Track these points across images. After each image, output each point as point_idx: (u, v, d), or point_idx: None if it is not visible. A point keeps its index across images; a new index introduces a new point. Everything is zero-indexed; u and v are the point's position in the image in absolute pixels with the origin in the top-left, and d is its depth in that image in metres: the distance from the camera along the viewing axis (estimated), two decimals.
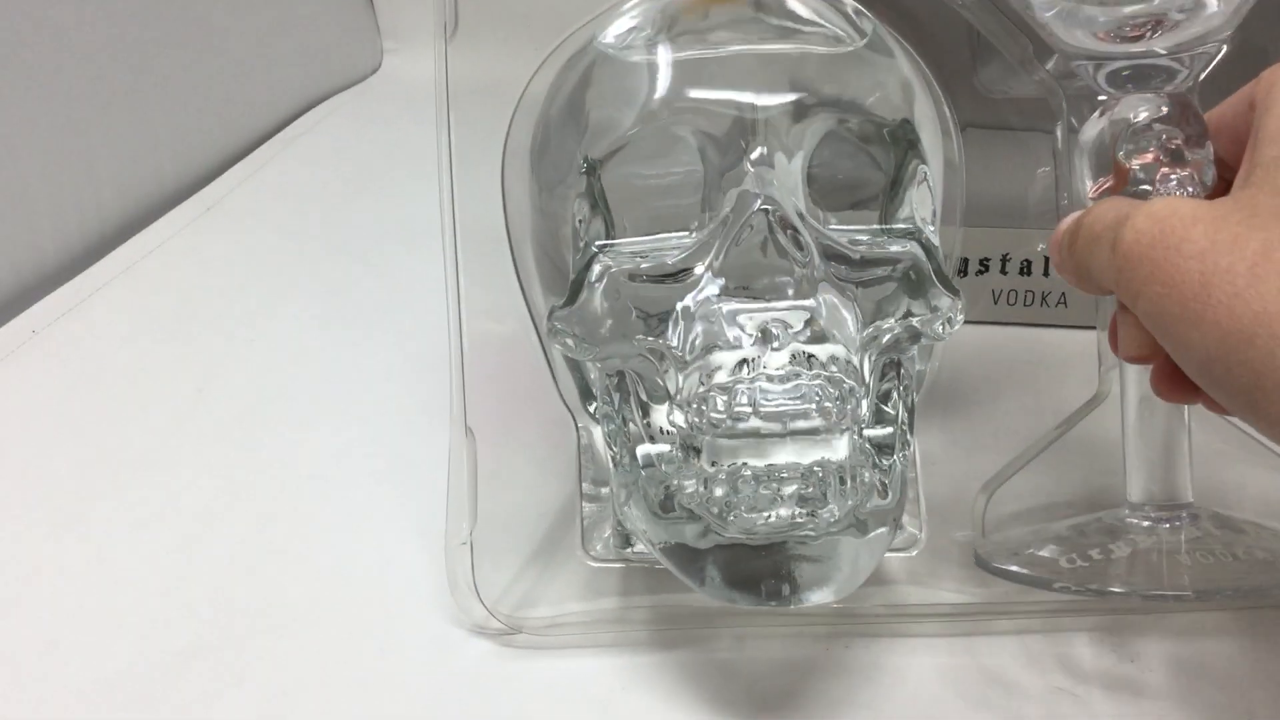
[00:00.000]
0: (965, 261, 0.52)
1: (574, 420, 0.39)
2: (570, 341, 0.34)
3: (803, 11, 0.37)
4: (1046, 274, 0.51)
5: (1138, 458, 0.36)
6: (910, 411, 0.35)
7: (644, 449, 0.34)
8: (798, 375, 0.31)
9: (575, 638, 0.38)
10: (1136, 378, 0.36)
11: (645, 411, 0.34)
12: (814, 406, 0.31)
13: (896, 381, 0.34)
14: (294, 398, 0.49)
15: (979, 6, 0.39)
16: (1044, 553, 0.37)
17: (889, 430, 0.34)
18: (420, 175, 0.42)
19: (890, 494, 0.33)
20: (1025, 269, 0.52)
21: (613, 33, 0.37)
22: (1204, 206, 0.27)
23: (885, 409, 0.34)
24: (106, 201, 0.60)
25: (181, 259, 0.59)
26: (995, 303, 0.53)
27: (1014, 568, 0.36)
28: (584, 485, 0.39)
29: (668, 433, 0.33)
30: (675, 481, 0.32)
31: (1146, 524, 0.36)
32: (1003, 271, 0.52)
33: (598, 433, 0.36)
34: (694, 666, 0.37)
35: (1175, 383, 0.30)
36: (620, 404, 0.34)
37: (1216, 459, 0.39)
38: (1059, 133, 0.38)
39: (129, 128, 0.62)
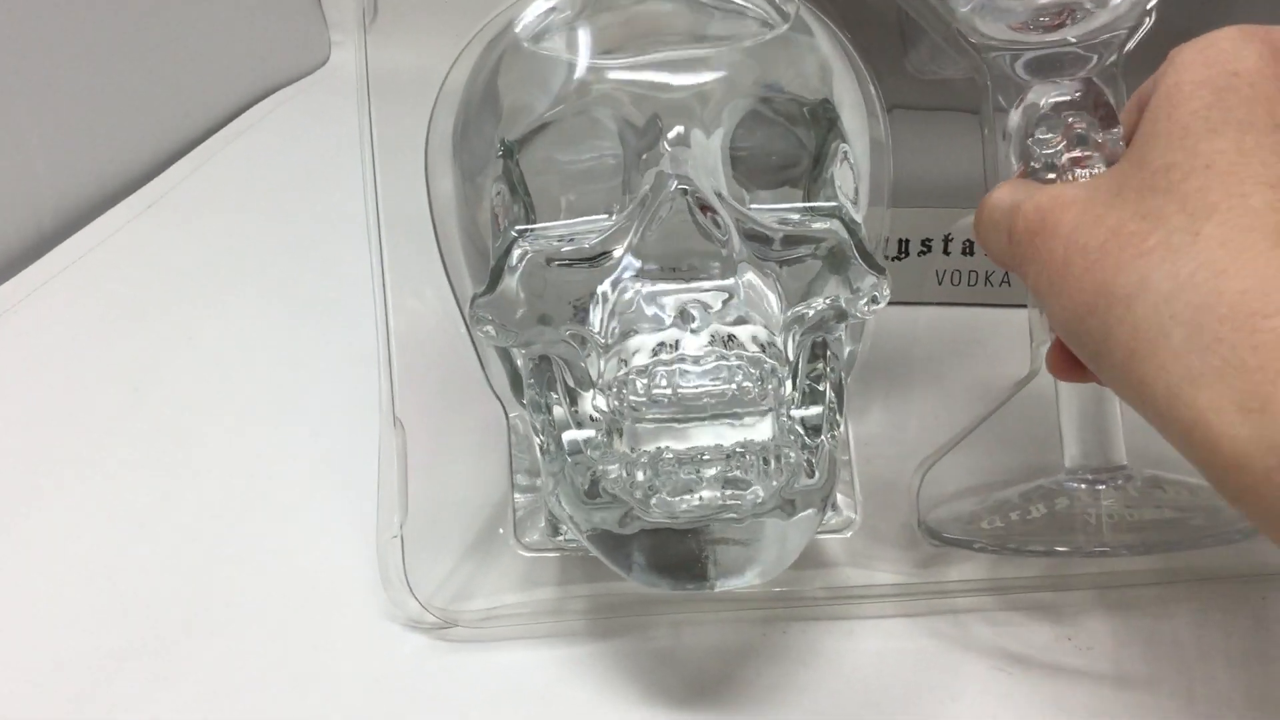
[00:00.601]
0: (906, 242, 0.51)
1: (504, 410, 0.38)
2: (490, 329, 0.33)
3: None
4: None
5: (1070, 425, 0.37)
6: (839, 391, 0.34)
7: (570, 435, 0.33)
8: (717, 356, 0.31)
9: (511, 629, 0.38)
10: None
11: (574, 398, 0.34)
12: (734, 387, 0.31)
13: (823, 361, 0.34)
14: (232, 395, 0.49)
15: None
16: (976, 518, 0.37)
17: (817, 410, 0.34)
18: (382, 169, 0.42)
19: (818, 474, 0.33)
20: (968, 249, 0.51)
21: (531, 13, 0.36)
22: (1082, 189, 0.30)
23: (813, 389, 0.34)
24: (44, 200, 0.59)
25: (121, 257, 0.58)
26: (940, 283, 0.52)
27: (946, 534, 0.37)
28: (518, 475, 0.39)
29: (595, 419, 0.33)
30: (600, 467, 0.32)
31: (1083, 487, 0.37)
32: (945, 252, 0.52)
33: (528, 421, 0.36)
34: (631, 655, 0.37)
35: (1063, 360, 0.33)
36: (545, 390, 0.34)
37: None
38: (984, 113, 0.38)
39: (67, 124, 0.61)
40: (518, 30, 0.36)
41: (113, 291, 0.56)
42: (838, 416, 0.34)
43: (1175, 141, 0.27)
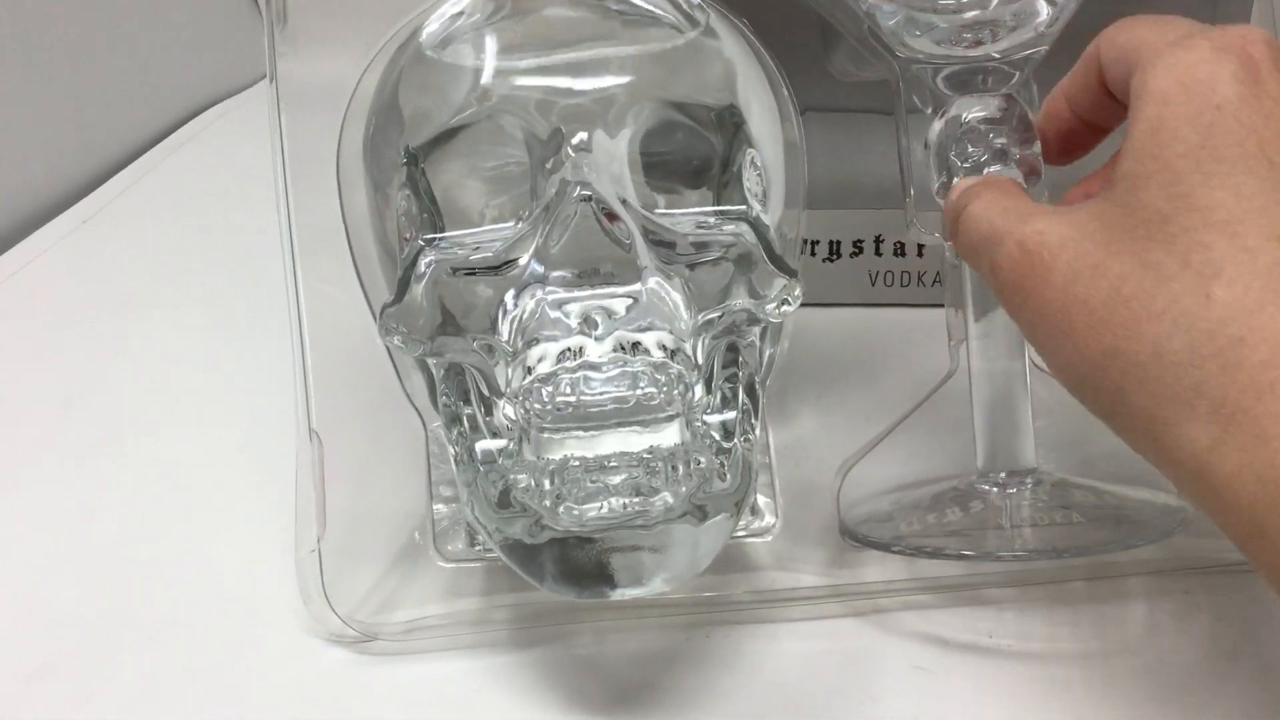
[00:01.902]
0: (838, 244, 0.52)
1: (423, 421, 0.38)
2: (399, 339, 0.33)
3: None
4: (920, 254, 0.51)
5: (983, 427, 0.37)
6: (753, 395, 0.34)
7: (482, 444, 0.33)
8: (621, 363, 0.31)
9: (434, 641, 0.37)
10: (979, 351, 0.37)
11: (489, 407, 0.34)
12: (638, 393, 0.30)
13: (736, 366, 0.34)
14: (161, 409, 0.48)
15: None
16: (893, 519, 0.37)
17: (730, 414, 0.34)
18: (306, 179, 0.42)
19: (731, 478, 0.33)
20: (899, 250, 0.51)
21: (437, 20, 0.36)
22: (1069, 226, 0.29)
23: (726, 393, 0.34)
24: None
25: (55, 272, 0.58)
26: (872, 284, 0.52)
27: (864, 535, 0.37)
28: (439, 486, 0.38)
29: (507, 428, 0.33)
30: (511, 477, 0.32)
31: (994, 490, 0.37)
32: (877, 253, 0.52)
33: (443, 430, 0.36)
34: (553, 664, 0.37)
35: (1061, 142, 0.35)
36: (458, 399, 0.34)
37: (1073, 423, 0.39)
38: (899, 118, 0.38)
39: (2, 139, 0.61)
40: (422, 38, 0.36)
41: (46, 306, 0.56)
42: (753, 420, 0.34)
43: (1168, 188, 0.27)
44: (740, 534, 0.38)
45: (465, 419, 0.34)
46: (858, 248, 0.52)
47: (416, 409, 0.38)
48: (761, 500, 0.39)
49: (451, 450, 0.34)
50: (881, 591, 0.38)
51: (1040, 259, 0.29)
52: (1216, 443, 0.26)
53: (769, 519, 0.38)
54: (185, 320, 0.54)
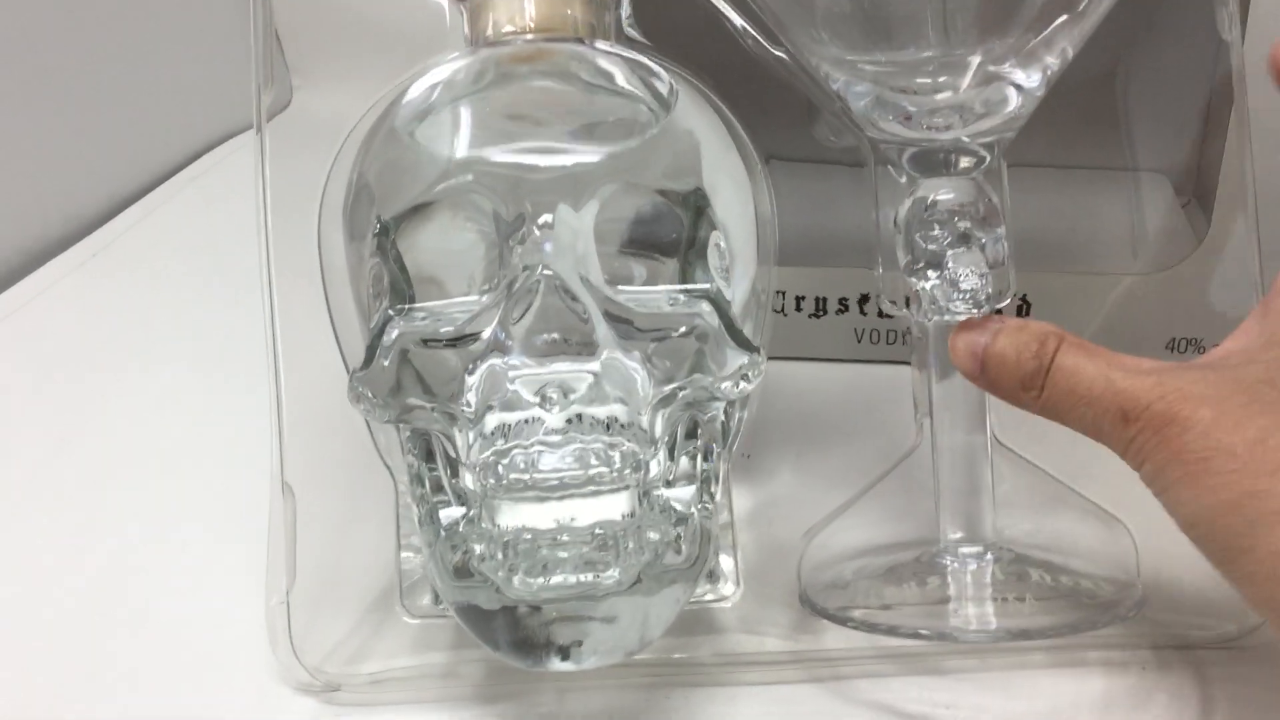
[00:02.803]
0: (824, 300, 0.52)
1: (393, 476, 0.39)
2: (366, 405, 0.34)
3: (617, 77, 0.37)
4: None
5: (945, 500, 0.38)
6: (713, 465, 0.35)
7: (446, 511, 0.34)
8: (575, 438, 0.31)
9: (399, 694, 0.38)
10: (941, 424, 0.37)
11: (455, 470, 0.34)
12: (590, 471, 0.31)
13: (696, 439, 0.35)
14: (150, 453, 0.49)
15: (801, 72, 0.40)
16: (853, 589, 0.38)
17: (690, 488, 0.34)
18: (299, 226, 0.42)
19: (686, 550, 0.33)
20: None
21: (419, 87, 0.37)
22: (1209, 385, 0.30)
23: (686, 466, 0.34)
24: None
25: (60, 308, 0.59)
26: (859, 341, 0.53)
27: (824, 605, 0.37)
28: (411, 538, 0.39)
29: (469, 494, 0.34)
30: (469, 545, 0.33)
31: (953, 563, 0.37)
32: (862, 312, 0.52)
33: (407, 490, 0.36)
34: None
35: None
36: (422, 462, 0.35)
37: (1038, 497, 0.39)
38: (876, 195, 0.39)
39: (11, 171, 0.62)
40: (403, 107, 0.37)
41: (51, 341, 0.57)
42: (712, 490, 0.35)
43: None
44: (697, 602, 0.38)
45: (428, 480, 0.34)
46: (843, 305, 0.52)
47: (387, 465, 0.39)
48: (725, 564, 0.39)
49: (414, 510, 0.35)
50: (842, 659, 0.39)
51: (1183, 407, 0.30)
52: None
53: (729, 587, 0.39)
54: (181, 361, 0.55)
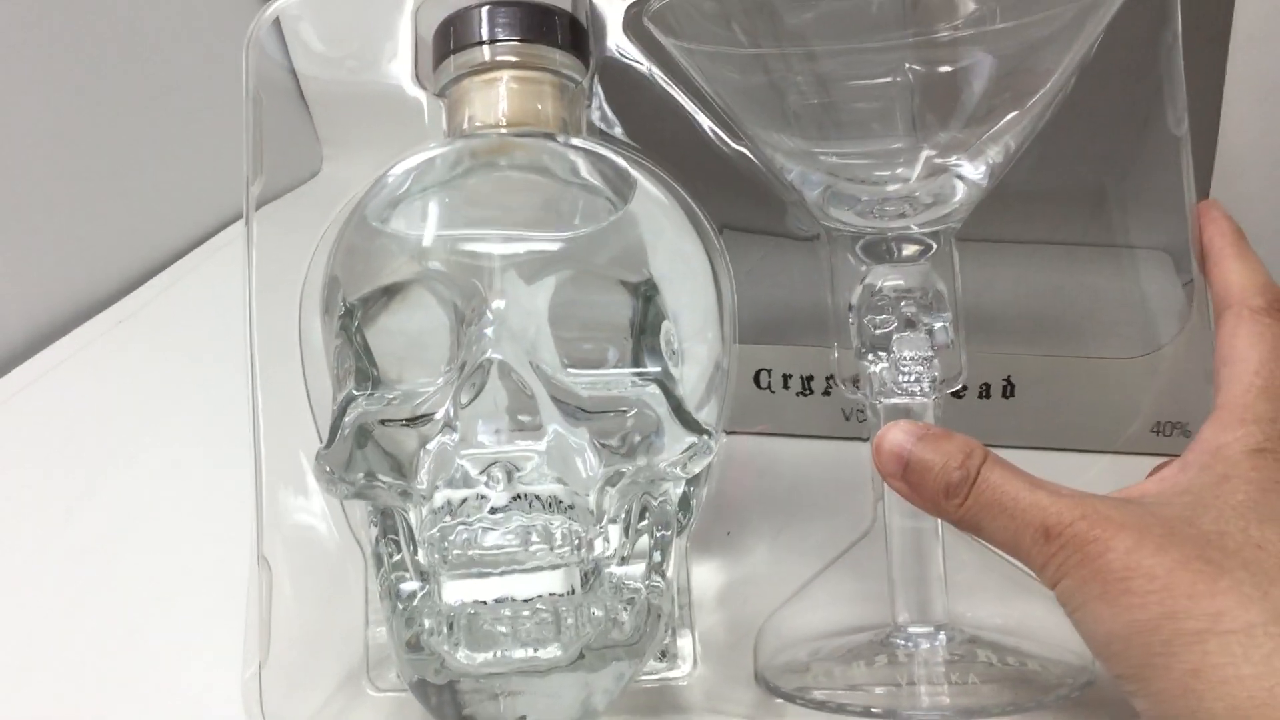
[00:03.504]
0: (810, 379, 0.53)
1: (362, 549, 0.40)
2: (326, 482, 0.36)
3: (581, 170, 0.39)
4: None
5: (896, 581, 0.38)
6: (663, 544, 0.36)
7: (405, 586, 0.35)
8: (517, 516, 0.32)
9: None
10: (893, 508, 0.38)
11: (415, 547, 0.36)
12: (531, 546, 0.32)
13: (646, 518, 0.36)
14: (154, 520, 0.51)
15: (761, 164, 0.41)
16: (809, 670, 0.38)
17: (638, 566, 0.35)
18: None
19: (630, 628, 0.34)
20: None
21: (402, 169, 0.39)
22: (1130, 514, 0.31)
23: (643, 544, 0.35)
24: (7, 319, 0.62)
25: (83, 374, 0.61)
26: (846, 419, 0.53)
27: (779, 685, 0.38)
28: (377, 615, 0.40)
29: (425, 570, 0.35)
30: (420, 620, 0.34)
31: (905, 644, 0.38)
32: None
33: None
34: None
35: None
36: (384, 537, 0.36)
37: (988, 585, 0.39)
38: (830, 281, 0.40)
39: (39, 242, 0.64)
40: (376, 195, 0.39)
41: (65, 412, 0.59)
42: (663, 569, 0.36)
43: (1228, 519, 0.31)
44: (650, 678, 0.39)
45: (387, 556, 0.36)
46: (830, 383, 0.53)
47: (359, 540, 0.40)
48: (684, 643, 0.40)
49: (377, 585, 0.36)
50: None
51: (1104, 529, 0.31)
52: (1260, 703, 0.28)
53: (685, 666, 0.39)
54: (197, 430, 0.57)
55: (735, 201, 0.43)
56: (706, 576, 0.46)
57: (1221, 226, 0.39)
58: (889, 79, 0.35)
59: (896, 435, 0.35)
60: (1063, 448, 0.52)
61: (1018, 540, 0.32)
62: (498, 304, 0.35)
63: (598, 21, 0.44)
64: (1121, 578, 0.30)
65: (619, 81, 0.44)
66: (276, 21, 0.46)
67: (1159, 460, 0.50)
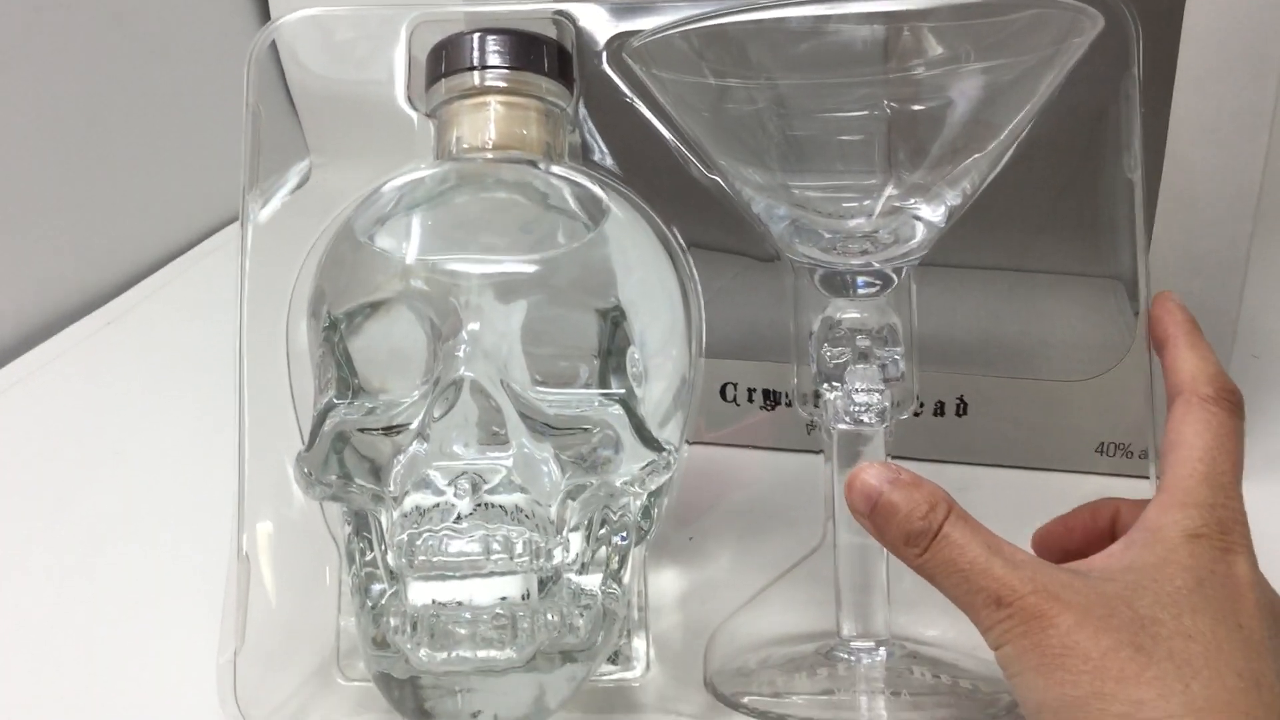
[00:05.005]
0: (776, 393, 0.55)
1: (338, 546, 0.42)
2: (304, 484, 0.38)
3: (559, 195, 0.41)
4: None
5: (843, 596, 0.40)
6: (620, 553, 0.38)
7: (374, 585, 0.37)
8: (480, 525, 0.35)
9: None
10: (841, 525, 0.40)
11: (387, 549, 0.38)
12: (491, 554, 0.34)
13: (605, 527, 0.38)
14: (142, 512, 0.53)
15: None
16: (753, 677, 0.40)
17: (597, 574, 0.37)
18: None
19: (585, 633, 0.36)
20: None
21: (392, 187, 0.41)
22: (1077, 594, 0.33)
23: (594, 552, 0.38)
24: (2, 314, 0.64)
25: (71, 374, 0.63)
26: (809, 433, 0.56)
27: (725, 691, 0.40)
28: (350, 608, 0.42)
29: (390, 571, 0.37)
30: (385, 618, 0.36)
31: (847, 658, 0.40)
32: (815, 405, 0.55)
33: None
34: None
35: None
36: (352, 539, 0.38)
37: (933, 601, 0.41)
38: (793, 311, 0.42)
39: (32, 242, 0.66)
40: (364, 212, 0.41)
41: (61, 406, 0.61)
42: (620, 576, 0.38)
43: (1163, 605, 0.33)
44: (604, 679, 0.41)
45: (359, 554, 0.38)
46: (790, 400, 0.55)
47: (334, 538, 0.42)
48: (638, 646, 0.42)
49: (349, 580, 0.38)
50: None
51: (1052, 605, 0.32)
52: None
53: (639, 667, 0.42)
54: (184, 429, 0.59)
55: (709, 223, 0.45)
56: (666, 581, 0.48)
57: (1176, 317, 0.40)
58: (865, 113, 0.36)
59: (869, 476, 0.36)
60: (1012, 465, 0.54)
61: (971, 602, 0.34)
62: (472, 325, 0.37)
63: (583, 49, 0.46)
64: (1059, 654, 0.32)
65: (603, 106, 0.46)
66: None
67: (1102, 479, 0.52)
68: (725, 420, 0.56)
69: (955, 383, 0.54)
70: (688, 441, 0.43)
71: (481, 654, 0.34)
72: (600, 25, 0.46)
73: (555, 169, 0.42)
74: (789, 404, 0.55)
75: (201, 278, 0.73)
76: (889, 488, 0.36)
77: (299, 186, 0.89)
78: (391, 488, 0.36)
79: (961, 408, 0.54)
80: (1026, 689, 0.33)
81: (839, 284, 0.40)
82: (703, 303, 0.43)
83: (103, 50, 0.70)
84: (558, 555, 0.36)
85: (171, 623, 0.47)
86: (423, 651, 0.34)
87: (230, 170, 0.79)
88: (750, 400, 0.55)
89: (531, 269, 0.38)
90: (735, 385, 0.55)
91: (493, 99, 0.42)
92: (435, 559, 0.34)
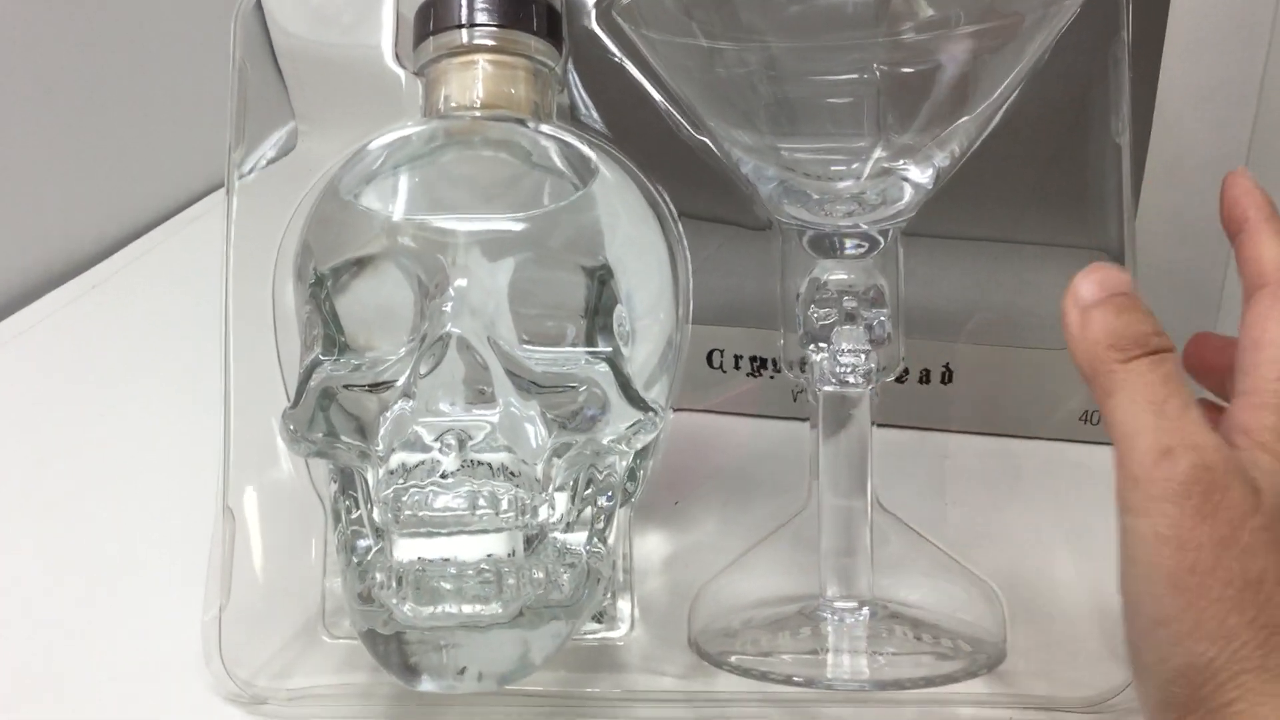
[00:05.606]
0: (762, 360, 0.55)
1: (323, 503, 0.42)
2: (290, 440, 0.38)
3: (547, 154, 0.41)
4: None
5: (826, 558, 0.40)
6: (606, 512, 0.38)
7: (360, 541, 0.37)
8: (466, 481, 0.35)
9: (320, 709, 0.41)
10: (826, 487, 0.40)
11: (373, 506, 0.38)
12: (477, 510, 0.34)
13: (591, 487, 0.38)
14: (126, 474, 0.53)
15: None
16: (738, 636, 0.40)
17: (582, 533, 0.37)
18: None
19: (569, 590, 0.36)
20: None
21: (379, 144, 0.41)
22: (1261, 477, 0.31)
23: (580, 511, 0.38)
24: None
25: (57, 336, 0.63)
26: (795, 400, 0.56)
27: (709, 650, 0.40)
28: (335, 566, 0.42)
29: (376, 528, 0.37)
30: (371, 573, 0.36)
31: (830, 617, 0.40)
32: (802, 371, 0.55)
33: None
34: None
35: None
36: (344, 493, 0.38)
37: (913, 564, 0.42)
38: (780, 269, 0.42)
39: (17, 206, 0.66)
40: (351, 169, 0.40)
41: (48, 367, 0.61)
42: (605, 535, 0.38)
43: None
44: (589, 637, 0.41)
45: (345, 512, 0.38)
46: (777, 367, 0.55)
47: (320, 496, 0.42)
48: (622, 607, 0.42)
49: (335, 538, 0.38)
50: (730, 701, 0.41)
51: (1222, 478, 0.30)
52: None
53: (623, 627, 0.42)
54: (168, 391, 0.58)
55: (697, 190, 0.45)
56: (652, 544, 0.48)
57: (1255, 198, 0.35)
58: (856, 76, 0.36)
59: (1114, 274, 0.34)
60: (997, 433, 0.55)
61: (1131, 444, 0.31)
62: (460, 281, 0.36)
63: (572, 7, 0.46)
64: (1231, 529, 0.30)
65: (592, 67, 0.46)
66: None
67: (1086, 446, 0.52)
68: (711, 386, 0.56)
69: (941, 351, 0.54)
70: (674, 408, 0.43)
71: (467, 609, 0.34)
72: None
73: (544, 128, 0.42)
74: (775, 370, 0.56)
75: (188, 242, 0.73)
76: (1131, 291, 0.33)
77: (285, 151, 0.89)
78: (377, 445, 0.36)
79: (947, 375, 0.54)
80: (1132, 525, 0.31)
81: (827, 245, 0.40)
82: (690, 268, 0.43)
83: (85, 11, 0.69)
84: (543, 513, 0.36)
85: (157, 582, 0.47)
86: (408, 606, 0.35)
87: (217, 135, 0.79)
88: (737, 367, 0.55)
89: (519, 227, 0.38)
90: (721, 351, 0.55)
91: (481, 57, 0.42)
92: (421, 514, 0.34)
